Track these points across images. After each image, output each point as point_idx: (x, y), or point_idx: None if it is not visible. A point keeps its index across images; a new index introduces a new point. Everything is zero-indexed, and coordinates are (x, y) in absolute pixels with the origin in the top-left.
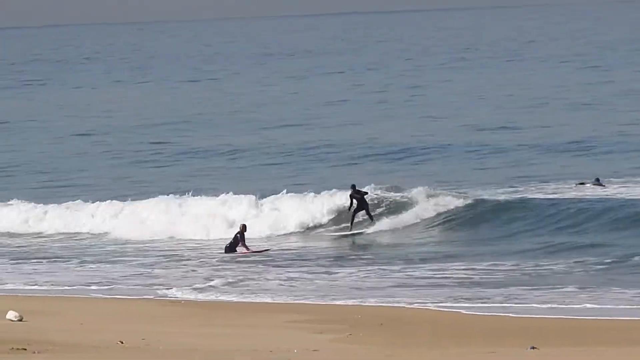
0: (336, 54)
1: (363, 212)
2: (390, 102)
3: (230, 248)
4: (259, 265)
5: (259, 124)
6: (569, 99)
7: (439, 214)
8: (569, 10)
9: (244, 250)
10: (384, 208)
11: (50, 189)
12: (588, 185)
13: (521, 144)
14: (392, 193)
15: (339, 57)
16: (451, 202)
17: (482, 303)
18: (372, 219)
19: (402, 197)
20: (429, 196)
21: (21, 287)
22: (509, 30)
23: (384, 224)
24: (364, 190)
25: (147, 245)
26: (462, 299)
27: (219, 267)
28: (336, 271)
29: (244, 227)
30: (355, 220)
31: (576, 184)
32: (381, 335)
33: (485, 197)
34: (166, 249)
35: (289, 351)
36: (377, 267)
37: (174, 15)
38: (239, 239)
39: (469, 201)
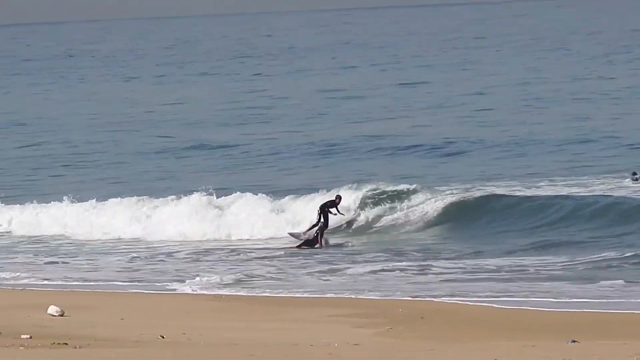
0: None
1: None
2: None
3: (309, 242)
4: (300, 259)
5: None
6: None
7: (458, 210)
8: None
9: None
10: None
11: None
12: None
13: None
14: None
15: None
16: (471, 196)
17: (520, 297)
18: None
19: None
20: (433, 192)
21: (62, 282)
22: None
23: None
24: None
25: (191, 241)
26: (499, 293)
27: (259, 262)
28: (376, 266)
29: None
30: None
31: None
32: (422, 329)
33: (504, 192)
34: (210, 246)
35: (329, 345)
36: (413, 262)
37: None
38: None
39: (487, 195)
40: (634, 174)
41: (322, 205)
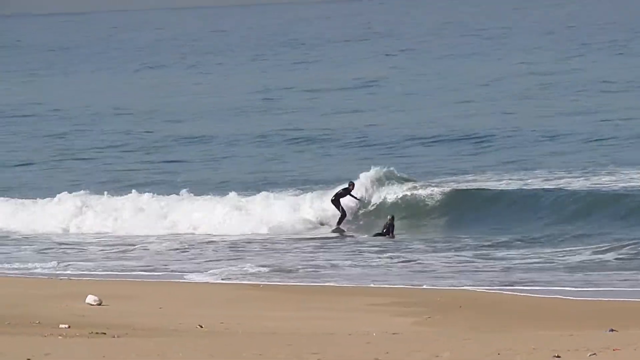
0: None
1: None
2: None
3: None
4: (337, 248)
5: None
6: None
7: (481, 202)
8: None
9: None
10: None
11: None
12: None
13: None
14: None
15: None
16: (496, 187)
17: (556, 286)
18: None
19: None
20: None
21: (100, 272)
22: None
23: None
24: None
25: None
26: (535, 282)
27: (298, 250)
28: (413, 255)
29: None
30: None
31: None
32: (460, 318)
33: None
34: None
35: (367, 334)
36: (450, 251)
37: None
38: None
39: (514, 187)
40: None
41: (336, 195)
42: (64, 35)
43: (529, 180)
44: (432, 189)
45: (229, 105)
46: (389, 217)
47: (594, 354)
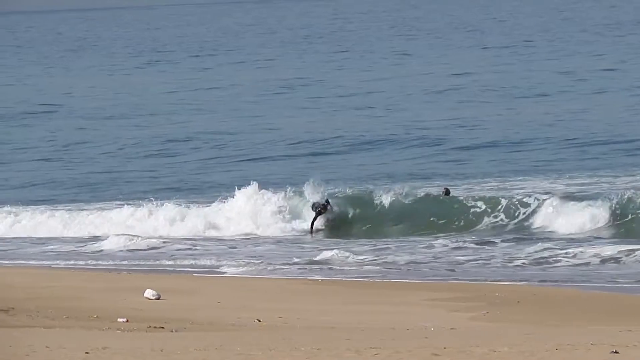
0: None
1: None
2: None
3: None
4: (396, 243)
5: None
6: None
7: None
8: None
9: None
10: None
11: None
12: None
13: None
14: None
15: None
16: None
17: (614, 282)
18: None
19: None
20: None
21: (157, 267)
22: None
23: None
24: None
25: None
26: (592, 278)
27: (357, 245)
28: (471, 250)
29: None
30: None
31: None
32: (519, 313)
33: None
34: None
35: (425, 329)
36: (503, 247)
37: None
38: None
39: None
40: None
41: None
42: (93, 30)
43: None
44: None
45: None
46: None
47: None
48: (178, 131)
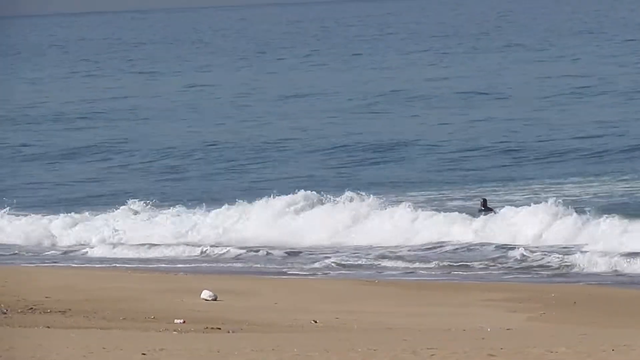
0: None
1: None
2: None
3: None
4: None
5: None
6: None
7: None
8: None
9: None
10: None
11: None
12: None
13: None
14: None
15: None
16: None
17: None
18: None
19: None
20: None
21: (215, 267)
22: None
23: None
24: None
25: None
26: None
27: (415, 248)
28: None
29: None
30: None
31: None
32: (575, 314)
33: None
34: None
35: (482, 330)
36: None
37: None
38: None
39: None
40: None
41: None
42: (127, 32)
43: None
44: None
45: None
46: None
47: None
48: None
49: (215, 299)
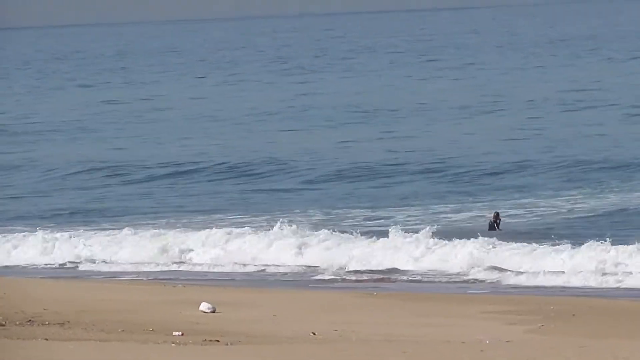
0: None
1: None
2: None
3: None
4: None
5: None
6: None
7: None
8: None
9: None
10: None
11: None
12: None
13: None
14: None
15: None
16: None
17: None
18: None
19: None
20: None
21: (215, 278)
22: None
23: None
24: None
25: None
26: None
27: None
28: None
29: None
30: None
31: None
32: (574, 326)
33: None
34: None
35: (481, 342)
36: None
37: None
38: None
39: None
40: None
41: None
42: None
43: None
44: None
45: None
46: (494, 212)
47: None
48: None
49: (213, 311)
